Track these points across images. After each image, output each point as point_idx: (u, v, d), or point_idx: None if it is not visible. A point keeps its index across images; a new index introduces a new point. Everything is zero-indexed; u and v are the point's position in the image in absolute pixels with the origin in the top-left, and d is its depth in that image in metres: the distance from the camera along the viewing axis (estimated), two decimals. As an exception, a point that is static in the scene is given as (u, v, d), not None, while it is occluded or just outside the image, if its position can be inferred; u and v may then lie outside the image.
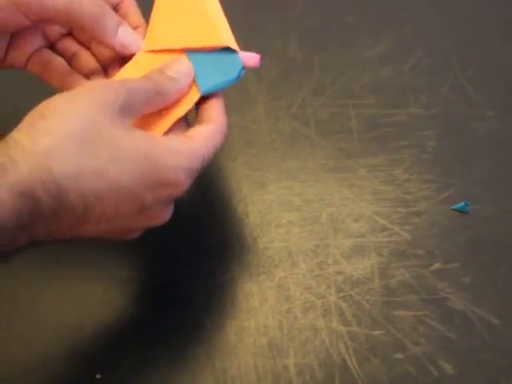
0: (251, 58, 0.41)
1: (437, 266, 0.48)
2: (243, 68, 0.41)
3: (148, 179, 0.36)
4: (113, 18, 0.40)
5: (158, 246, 0.49)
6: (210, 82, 0.40)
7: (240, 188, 0.52)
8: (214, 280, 0.48)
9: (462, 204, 0.50)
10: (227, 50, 0.41)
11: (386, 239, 0.49)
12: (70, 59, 0.44)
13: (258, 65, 0.42)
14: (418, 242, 0.49)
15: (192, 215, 0.51)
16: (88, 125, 0.34)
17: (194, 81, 0.41)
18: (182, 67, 0.40)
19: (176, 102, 0.40)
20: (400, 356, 0.45)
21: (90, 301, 0.47)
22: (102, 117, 0.35)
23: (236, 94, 0.56)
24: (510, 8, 0.62)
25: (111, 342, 0.46)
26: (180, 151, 0.37)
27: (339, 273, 0.48)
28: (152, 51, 0.42)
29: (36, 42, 0.44)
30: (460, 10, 0.61)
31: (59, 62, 0.44)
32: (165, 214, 0.39)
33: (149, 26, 0.43)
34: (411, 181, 0.52)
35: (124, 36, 0.41)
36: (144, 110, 0.38)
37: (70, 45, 0.45)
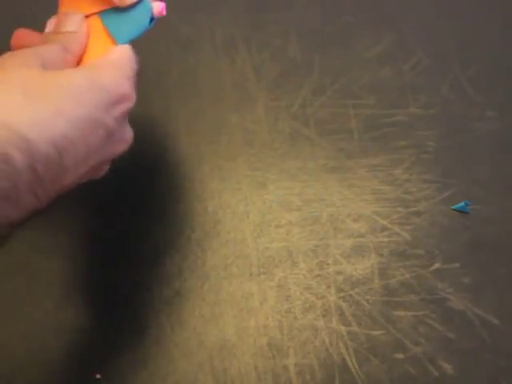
0: (156, 7, 0.42)
1: (437, 266, 0.48)
2: (153, 15, 0.42)
3: (101, 102, 0.36)
4: None
5: (158, 246, 0.49)
6: (125, 35, 0.41)
7: (240, 188, 0.52)
8: (214, 280, 0.48)
9: (462, 204, 0.50)
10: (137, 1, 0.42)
11: (386, 239, 0.49)
12: None
13: (163, 13, 0.42)
14: (418, 242, 0.49)
15: (192, 215, 0.50)
16: (25, 79, 0.34)
17: (109, 36, 0.41)
18: (73, 18, 0.40)
19: (89, 53, 0.40)
20: (400, 356, 0.45)
21: (90, 301, 0.47)
22: (33, 73, 0.34)
23: (236, 94, 0.56)
24: (510, 8, 0.62)
25: (111, 342, 0.46)
26: (111, 66, 0.38)
27: (339, 273, 0.48)
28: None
29: None
30: (460, 10, 0.61)
31: None
32: (128, 134, 0.39)
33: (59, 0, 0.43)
34: (411, 181, 0.52)
35: None
36: (57, 67, 0.38)
37: None
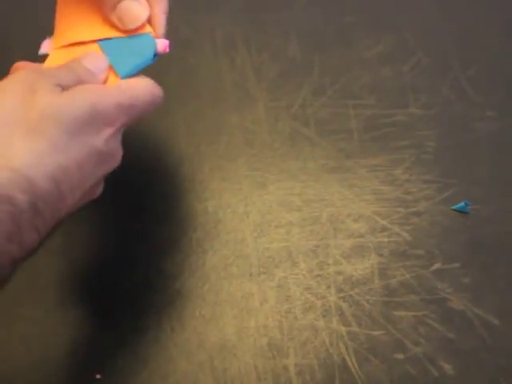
0: (160, 44, 0.41)
1: (437, 266, 0.48)
2: (156, 51, 0.41)
3: (91, 128, 0.36)
4: None
5: (158, 246, 0.49)
6: (127, 67, 0.40)
7: (240, 188, 0.52)
8: (214, 280, 0.48)
9: (462, 204, 0.50)
10: (140, 34, 0.41)
11: (386, 239, 0.49)
12: None
13: (167, 51, 0.42)
14: (418, 242, 0.49)
15: (192, 215, 0.50)
16: (26, 107, 0.34)
17: (111, 68, 0.40)
18: (99, 62, 0.40)
19: None
20: (400, 356, 0.45)
21: (90, 301, 0.47)
22: (36, 95, 0.35)
23: (236, 94, 0.56)
24: (510, 8, 0.62)
25: (111, 342, 0.46)
26: (105, 91, 0.38)
27: (339, 273, 0.48)
28: (64, 47, 0.42)
29: None
30: (460, 10, 0.61)
31: None
32: (118, 152, 0.39)
33: (56, 23, 0.43)
34: (411, 181, 0.52)
35: (123, 10, 0.40)
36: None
37: None
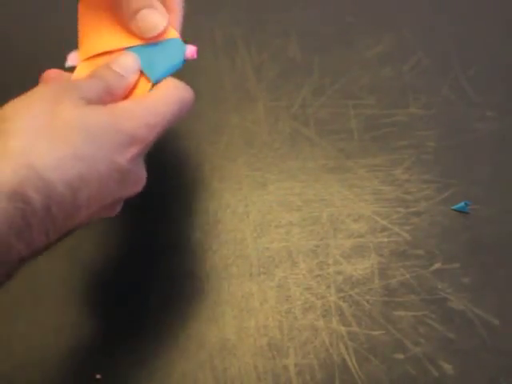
0: (189, 49, 0.42)
1: (437, 266, 0.48)
2: (185, 55, 0.41)
3: (117, 145, 0.36)
4: None
5: (158, 246, 0.49)
6: (158, 70, 0.41)
7: (240, 188, 0.52)
8: (214, 280, 0.48)
9: (462, 204, 0.50)
10: (169, 39, 0.41)
11: (385, 239, 0.49)
12: None
13: (194, 57, 0.42)
14: (417, 242, 0.49)
15: (192, 215, 0.51)
16: (52, 115, 0.34)
17: (142, 73, 0.40)
18: (129, 62, 0.40)
19: (127, 96, 0.40)
20: (400, 356, 0.45)
21: (90, 301, 0.47)
22: (63, 104, 0.35)
23: (236, 94, 0.56)
24: (510, 8, 0.62)
25: (111, 342, 0.46)
26: (135, 110, 0.38)
27: (339, 273, 0.48)
28: (90, 58, 0.42)
29: None
30: (460, 10, 0.61)
31: None
32: (142, 175, 0.40)
33: (79, 34, 0.43)
34: (411, 181, 0.52)
35: (142, 18, 0.40)
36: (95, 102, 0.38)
37: None
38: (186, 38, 0.42)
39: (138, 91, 0.40)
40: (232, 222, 0.50)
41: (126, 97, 0.40)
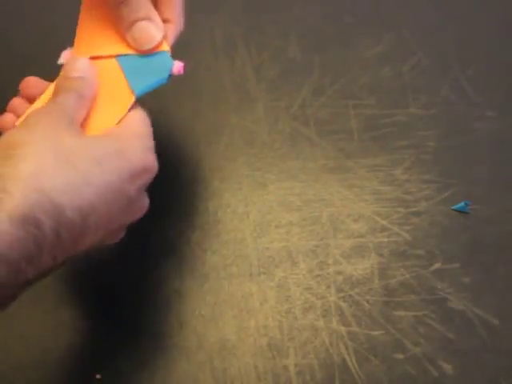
0: (175, 65, 0.41)
1: (437, 266, 0.48)
2: (172, 71, 0.41)
3: (126, 173, 0.37)
4: (133, 8, 0.40)
5: (158, 246, 0.49)
6: (142, 84, 0.41)
7: (240, 188, 0.52)
8: (214, 280, 0.48)
9: (462, 204, 0.50)
10: (158, 52, 0.41)
11: (385, 239, 0.49)
12: None
13: (181, 73, 0.41)
14: (417, 242, 0.49)
15: (192, 215, 0.50)
16: (57, 143, 0.35)
17: (126, 85, 0.41)
18: (80, 63, 0.40)
19: (109, 105, 0.40)
20: (400, 356, 0.45)
21: (90, 301, 0.47)
22: (63, 134, 0.35)
23: (236, 94, 0.56)
24: (510, 8, 0.62)
25: (111, 342, 0.46)
26: (140, 135, 0.39)
27: (339, 273, 0.48)
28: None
29: None
30: (460, 10, 0.61)
31: None
32: (145, 204, 0.40)
33: (76, 35, 0.43)
34: (411, 181, 0.52)
35: (138, 31, 0.40)
36: (81, 117, 0.39)
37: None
38: (185, 39, 0.43)
39: (121, 104, 0.40)
40: (232, 222, 0.50)
41: (102, 96, 0.40)
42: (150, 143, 0.39)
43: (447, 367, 0.44)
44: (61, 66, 0.42)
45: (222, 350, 0.45)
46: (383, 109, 0.55)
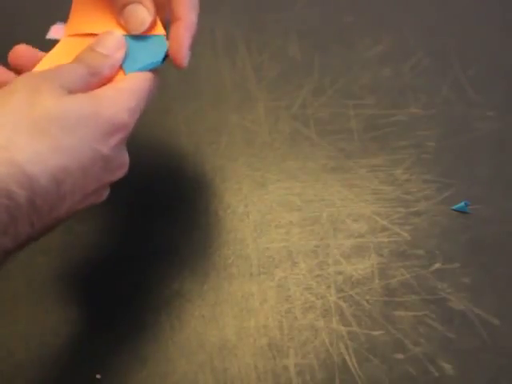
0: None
1: (437, 266, 0.48)
2: (166, 53, 0.41)
3: (99, 133, 0.36)
4: None
5: (157, 246, 0.49)
6: (135, 66, 0.40)
7: (240, 188, 0.52)
8: (214, 280, 0.48)
9: (462, 204, 0.50)
10: (154, 35, 0.41)
11: (386, 239, 0.49)
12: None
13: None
14: (418, 242, 0.49)
15: (192, 215, 0.50)
16: (31, 108, 0.34)
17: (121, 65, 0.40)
18: (113, 41, 0.40)
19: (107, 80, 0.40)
20: (400, 356, 0.45)
21: (90, 301, 0.47)
22: (40, 96, 0.35)
23: (236, 94, 0.56)
24: (510, 8, 0.62)
25: (111, 342, 0.46)
26: (113, 96, 0.38)
27: (339, 273, 0.48)
28: (76, 35, 0.42)
29: None
30: (460, 10, 0.61)
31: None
32: (126, 160, 0.40)
33: (72, 11, 0.43)
34: (411, 181, 0.52)
35: (129, 13, 0.40)
36: (81, 91, 0.38)
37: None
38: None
39: (113, 79, 0.40)
40: (232, 222, 0.50)
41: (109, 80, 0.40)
42: (130, 103, 0.38)
43: (447, 367, 0.44)
44: (49, 40, 0.41)
45: (222, 349, 0.45)
46: (383, 109, 0.55)
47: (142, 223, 0.50)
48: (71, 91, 0.37)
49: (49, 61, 0.41)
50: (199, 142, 0.54)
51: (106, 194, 0.40)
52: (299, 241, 0.49)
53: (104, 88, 0.39)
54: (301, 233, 0.50)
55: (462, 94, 0.56)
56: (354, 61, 0.58)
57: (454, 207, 0.51)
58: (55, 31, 0.42)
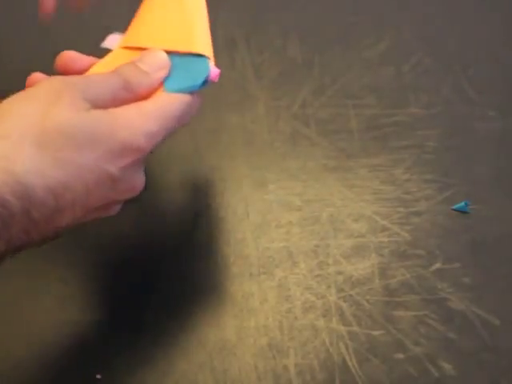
0: (212, 71, 0.41)
1: (437, 266, 0.48)
2: (208, 78, 0.40)
3: (108, 152, 0.36)
4: None
5: (157, 246, 0.49)
6: (175, 85, 0.39)
7: (240, 188, 0.52)
8: (214, 280, 0.48)
9: (462, 204, 0.50)
10: (198, 55, 0.41)
11: (386, 239, 0.49)
12: None
13: (215, 80, 0.41)
14: (418, 242, 0.49)
15: (192, 215, 0.50)
16: (44, 117, 0.34)
17: (161, 83, 0.40)
18: (156, 60, 0.39)
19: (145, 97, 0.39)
20: (400, 356, 0.45)
21: (90, 301, 0.47)
22: (57, 107, 0.35)
23: (236, 94, 0.56)
24: (510, 8, 0.62)
25: (111, 342, 0.46)
26: (133, 117, 0.37)
27: (339, 273, 0.48)
28: (129, 48, 0.41)
29: None
30: (460, 10, 0.61)
31: None
32: (138, 182, 0.39)
33: (132, 23, 0.43)
34: (412, 181, 0.52)
35: None
36: (111, 105, 0.37)
37: None
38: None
39: (150, 95, 0.39)
40: (232, 222, 0.50)
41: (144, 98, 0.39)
42: (155, 127, 0.37)
43: (448, 367, 0.44)
44: (103, 49, 0.41)
45: (222, 350, 0.45)
46: (384, 108, 0.55)
47: (142, 223, 0.50)
48: (97, 103, 0.36)
49: (96, 69, 0.40)
50: (199, 142, 0.54)
51: (115, 209, 0.40)
52: (299, 241, 0.49)
53: (126, 107, 0.37)
54: (301, 233, 0.50)
55: (463, 94, 0.56)
56: (354, 61, 0.58)
57: (454, 207, 0.51)
58: (110, 41, 0.42)
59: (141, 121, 0.37)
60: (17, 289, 0.47)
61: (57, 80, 0.37)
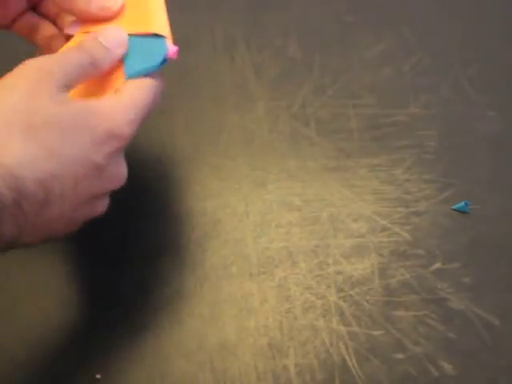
0: (170, 49, 0.41)
1: (437, 265, 0.48)
2: (166, 56, 0.41)
3: (93, 143, 0.36)
4: None
5: (157, 246, 0.49)
6: (134, 68, 0.40)
7: (240, 188, 0.52)
8: (214, 280, 0.48)
9: (462, 204, 0.50)
10: (155, 36, 0.41)
11: (386, 239, 0.49)
12: (55, 20, 0.45)
13: (174, 57, 0.41)
14: (418, 242, 0.49)
15: (192, 215, 0.50)
16: (28, 110, 0.35)
17: (120, 66, 0.41)
18: (116, 36, 0.40)
19: (105, 75, 0.40)
20: (400, 356, 0.45)
21: (90, 301, 0.47)
22: (39, 99, 0.35)
23: (236, 94, 0.56)
24: (510, 8, 0.62)
25: (111, 342, 0.46)
26: (114, 107, 0.38)
27: (339, 273, 0.48)
28: (87, 32, 0.42)
29: (20, 4, 0.44)
30: (460, 10, 0.61)
31: (45, 24, 0.45)
32: (121, 170, 0.40)
33: None
34: (411, 181, 0.52)
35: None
36: (79, 82, 0.38)
37: (52, 6, 0.45)
38: (185, 38, 0.42)
39: (112, 79, 0.40)
40: (232, 222, 0.50)
41: (104, 77, 0.40)
42: (133, 114, 0.38)
43: (448, 367, 0.44)
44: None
45: (222, 350, 0.45)
46: (384, 108, 0.55)
47: (142, 223, 0.50)
48: (71, 85, 0.37)
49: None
50: (199, 142, 0.54)
51: (104, 204, 0.40)
52: (299, 241, 0.49)
53: (105, 98, 0.39)
54: (301, 233, 0.50)
55: (463, 94, 0.56)
56: (354, 61, 0.58)
57: (454, 207, 0.51)
58: (71, 28, 0.43)
59: (121, 109, 0.38)
60: (16, 289, 0.47)
61: (33, 69, 0.37)
